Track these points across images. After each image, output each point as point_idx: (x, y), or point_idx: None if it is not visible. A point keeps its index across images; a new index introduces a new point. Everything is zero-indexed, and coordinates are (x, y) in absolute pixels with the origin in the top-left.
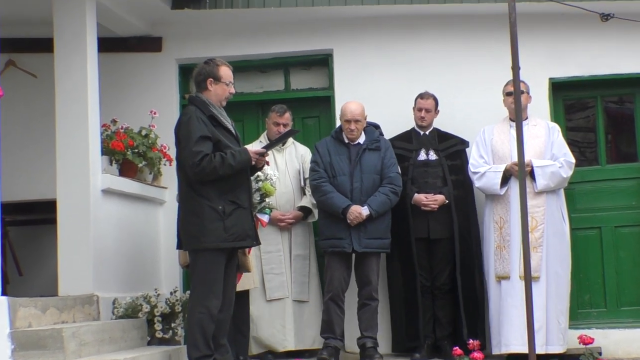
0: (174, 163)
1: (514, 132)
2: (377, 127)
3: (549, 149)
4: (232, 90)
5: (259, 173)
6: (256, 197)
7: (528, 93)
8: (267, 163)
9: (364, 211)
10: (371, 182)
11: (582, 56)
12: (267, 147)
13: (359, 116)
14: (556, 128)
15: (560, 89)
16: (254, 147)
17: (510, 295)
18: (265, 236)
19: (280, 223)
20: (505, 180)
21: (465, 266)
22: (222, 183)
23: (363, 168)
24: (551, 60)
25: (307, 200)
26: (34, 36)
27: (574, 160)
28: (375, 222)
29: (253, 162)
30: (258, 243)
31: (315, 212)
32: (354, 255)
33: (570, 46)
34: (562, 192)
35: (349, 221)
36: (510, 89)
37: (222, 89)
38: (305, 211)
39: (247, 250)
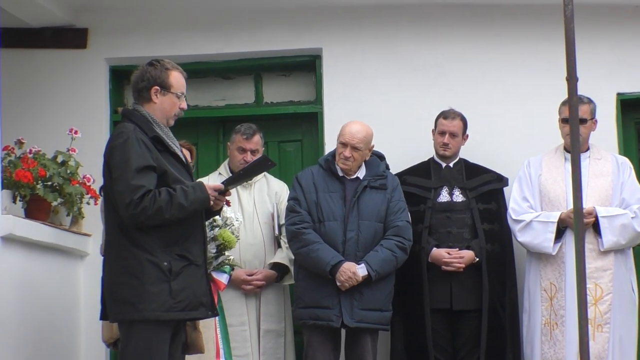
0: (101, 201)
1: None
2: (381, 157)
3: (618, 193)
4: (184, 106)
5: (216, 217)
6: (211, 250)
7: (593, 118)
8: (228, 203)
9: (360, 271)
10: (372, 232)
11: None
12: (229, 182)
13: (359, 142)
14: (627, 164)
15: (631, 108)
16: (210, 181)
17: None
18: (224, 304)
19: (245, 286)
20: (559, 233)
21: (494, 348)
22: (167, 230)
23: (362, 212)
24: (620, 69)
25: (283, 255)
26: None
27: None
28: (374, 287)
29: (211, 202)
30: (215, 314)
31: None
32: (343, 331)
33: None
34: (630, 251)
35: (338, 284)
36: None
37: (170, 103)
38: (280, 270)
39: (197, 323)
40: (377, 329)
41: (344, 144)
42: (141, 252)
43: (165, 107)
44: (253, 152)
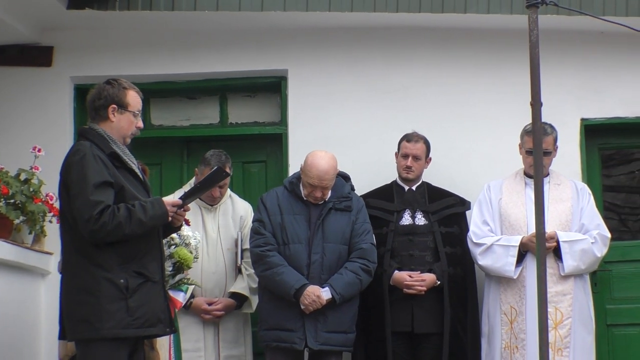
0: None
1: (531, 192)
2: (346, 178)
3: (577, 218)
4: (140, 124)
5: (174, 235)
6: (167, 268)
7: (555, 142)
8: (187, 222)
9: (324, 294)
10: (336, 255)
11: (627, 91)
12: (187, 196)
13: (329, 181)
14: (586, 190)
15: (595, 133)
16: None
17: None
18: (183, 329)
19: (204, 315)
20: (520, 257)
21: None
22: (124, 247)
23: (326, 235)
24: (585, 95)
25: (244, 285)
26: None
27: (609, 235)
28: (338, 310)
29: (169, 218)
30: (172, 331)
31: (254, 300)
32: (306, 352)
33: (610, 76)
34: (587, 277)
35: (302, 307)
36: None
37: (128, 121)
38: (240, 298)
39: (154, 341)
40: (341, 351)
41: (313, 186)
42: (98, 270)
43: (122, 125)
44: (222, 186)
